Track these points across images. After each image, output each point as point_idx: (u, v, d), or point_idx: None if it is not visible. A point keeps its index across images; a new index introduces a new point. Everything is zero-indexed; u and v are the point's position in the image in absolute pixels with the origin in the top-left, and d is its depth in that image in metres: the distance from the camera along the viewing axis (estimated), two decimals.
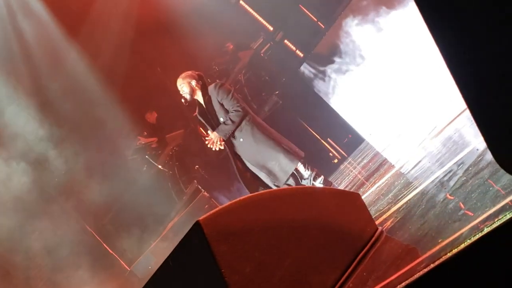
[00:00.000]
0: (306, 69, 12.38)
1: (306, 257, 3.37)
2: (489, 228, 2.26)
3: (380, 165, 7.76)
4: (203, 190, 10.35)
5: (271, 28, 13.75)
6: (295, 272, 3.29)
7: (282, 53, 13.53)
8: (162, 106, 12.87)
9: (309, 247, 3.40)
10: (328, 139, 12.47)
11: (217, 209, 3.36)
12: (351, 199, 3.96)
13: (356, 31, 10.38)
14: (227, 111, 7.03)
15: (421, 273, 2.43)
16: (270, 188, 6.96)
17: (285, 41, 13.57)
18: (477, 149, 3.74)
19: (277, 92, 12.78)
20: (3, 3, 10.78)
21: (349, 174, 9.65)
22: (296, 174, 7.06)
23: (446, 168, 4.13)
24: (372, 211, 4.81)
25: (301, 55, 13.29)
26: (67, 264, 9.90)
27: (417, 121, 7.81)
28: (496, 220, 2.30)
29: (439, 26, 2.13)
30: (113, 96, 11.98)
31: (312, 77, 12.21)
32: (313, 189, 4.51)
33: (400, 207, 4.28)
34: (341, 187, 8.39)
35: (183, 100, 7.34)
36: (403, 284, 2.49)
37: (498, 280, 2.16)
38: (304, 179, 7.06)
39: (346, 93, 11.28)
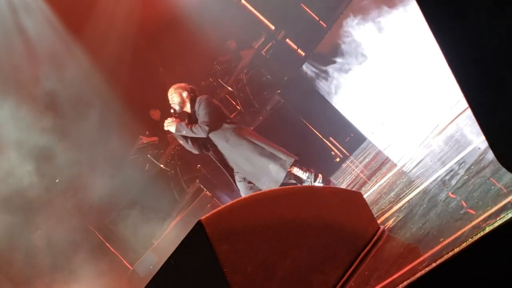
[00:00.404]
0: (308, 68, 12.38)
1: (307, 256, 3.37)
2: (490, 227, 2.26)
3: (382, 163, 7.76)
4: (205, 189, 10.36)
5: (272, 27, 13.77)
6: (296, 271, 3.29)
7: (283, 52, 13.54)
8: (165, 106, 12.87)
9: (310, 246, 3.41)
10: (330, 137, 12.46)
11: (219, 208, 3.36)
12: (353, 198, 3.95)
13: (358, 30, 10.37)
14: None
15: (423, 272, 2.43)
16: None
17: (287, 40, 13.58)
18: (479, 148, 3.74)
19: (278, 91, 12.78)
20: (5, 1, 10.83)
21: (351, 173, 9.64)
22: (295, 180, 7.07)
23: (448, 167, 4.13)
24: (374, 210, 4.81)
25: (303, 54, 13.29)
26: (69, 263, 9.91)
27: (419, 120, 7.81)
28: (498, 219, 2.30)
29: (441, 25, 2.13)
30: (116, 95, 11.99)
31: (314, 76, 12.20)
32: (315, 188, 4.51)
33: (401, 206, 4.28)
34: (343, 186, 8.39)
35: (172, 111, 7.35)
36: (405, 283, 2.49)
37: (500, 279, 2.16)
38: (305, 182, 7.07)
39: (348, 91, 11.27)
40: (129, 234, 10.99)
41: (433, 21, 2.14)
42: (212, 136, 7.08)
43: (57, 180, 11.04)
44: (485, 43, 2.06)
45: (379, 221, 4.17)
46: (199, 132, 7.04)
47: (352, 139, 12.07)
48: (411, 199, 4.25)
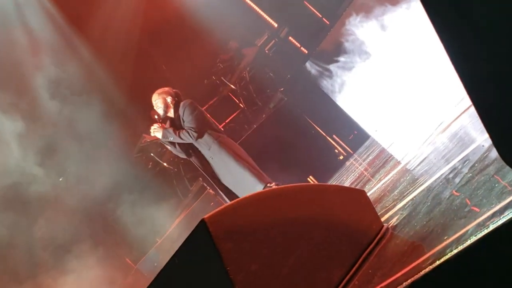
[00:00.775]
0: (311, 65, 12.37)
1: (311, 255, 3.37)
2: (494, 225, 2.26)
3: (385, 161, 7.75)
4: (208, 188, 10.36)
5: (275, 25, 13.74)
6: (300, 270, 3.29)
7: (286, 49, 13.51)
8: None
9: (314, 245, 3.40)
10: (334, 135, 12.45)
11: (222, 207, 3.36)
12: (357, 196, 3.95)
13: (361, 28, 10.36)
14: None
15: (426, 270, 2.43)
16: None
17: (290, 37, 13.55)
18: (483, 146, 3.74)
19: (282, 89, 12.77)
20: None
21: (354, 171, 9.64)
22: None
23: (451, 164, 4.12)
24: (378, 208, 4.80)
25: (306, 51, 13.27)
26: (71, 261, 9.92)
27: (423, 118, 7.80)
28: (502, 217, 2.29)
29: (444, 23, 2.13)
30: (119, 94, 12.00)
31: (317, 73, 12.20)
32: (319, 187, 4.50)
33: (405, 204, 4.27)
34: (347, 184, 8.38)
35: (156, 116, 7.30)
36: (409, 281, 2.49)
37: (504, 277, 2.16)
38: None
39: (351, 89, 11.27)
40: (132, 233, 11.00)
41: (436, 18, 2.13)
42: (196, 142, 7.06)
43: (61, 179, 11.06)
44: (489, 40, 2.05)
45: (383, 219, 4.17)
46: (187, 137, 7.04)
47: (356, 137, 12.07)
48: (415, 197, 4.24)
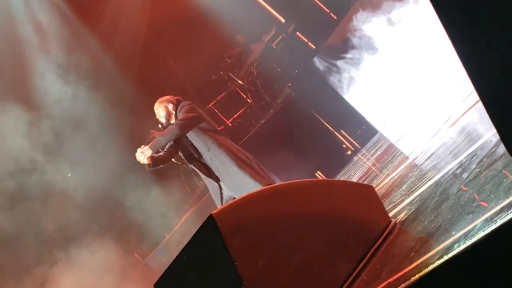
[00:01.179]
0: (318, 60, 12.35)
1: (319, 250, 3.37)
2: (502, 220, 2.26)
3: (393, 156, 7.75)
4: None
5: (283, 20, 13.72)
6: (308, 265, 3.29)
7: (294, 45, 13.50)
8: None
9: (322, 240, 3.41)
10: (341, 130, 12.44)
11: (230, 202, 3.37)
12: (365, 191, 3.95)
13: (368, 24, 10.34)
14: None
15: (434, 265, 2.43)
16: None
17: (297, 33, 13.54)
18: (491, 141, 3.73)
19: (289, 84, 12.76)
20: None
21: (362, 166, 9.63)
22: None
23: (459, 159, 4.12)
24: (386, 203, 4.80)
25: (314, 47, 13.25)
26: (80, 256, 9.96)
27: (431, 113, 7.78)
28: (509, 212, 2.29)
29: (451, 18, 2.13)
30: (127, 90, 12.02)
31: (324, 68, 12.18)
32: (327, 182, 4.51)
33: (413, 199, 4.27)
34: (355, 179, 8.38)
35: (159, 125, 7.16)
36: (417, 276, 2.49)
37: None
38: None
39: (359, 84, 11.25)
40: (140, 228, 11.03)
41: (443, 13, 2.13)
42: (196, 143, 6.89)
43: (69, 174, 11.10)
44: (496, 35, 2.05)
45: (390, 215, 4.17)
46: (172, 130, 6.79)
47: (364, 131, 12.05)
48: (423, 192, 4.24)
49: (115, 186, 10.96)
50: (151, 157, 6.80)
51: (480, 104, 2.22)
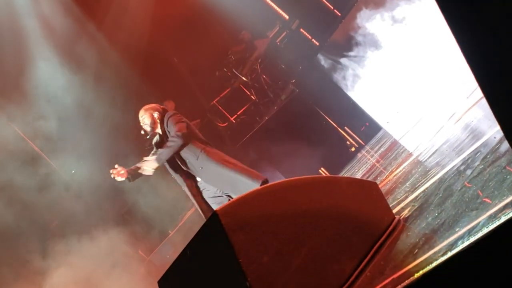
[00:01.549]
0: (322, 57, 12.35)
1: (323, 246, 3.38)
2: (506, 216, 2.26)
3: (397, 153, 7.75)
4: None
5: (287, 17, 13.73)
6: (312, 261, 3.30)
7: (298, 41, 13.51)
8: (179, 96, 12.90)
9: (326, 236, 3.41)
10: (345, 127, 12.45)
11: (234, 199, 3.38)
12: (369, 188, 3.95)
13: (371, 21, 10.32)
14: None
15: (438, 261, 2.43)
16: None
17: (301, 29, 13.54)
18: (495, 137, 3.73)
19: (293, 81, 12.77)
20: None
21: (366, 163, 9.63)
22: None
23: (463, 156, 4.12)
24: (389, 200, 4.80)
25: (317, 43, 13.25)
26: (84, 252, 9.98)
27: (434, 109, 7.78)
28: None
29: (455, 14, 2.13)
30: (131, 86, 12.04)
31: (328, 65, 12.17)
32: (331, 178, 4.51)
33: (417, 196, 4.27)
34: (358, 176, 8.38)
35: (142, 132, 7.08)
36: (421, 272, 2.49)
37: None
38: None
39: (362, 81, 11.24)
40: (144, 224, 11.06)
41: (447, 9, 2.13)
42: (183, 152, 6.81)
43: (73, 171, 11.12)
44: (501, 31, 2.05)
45: (394, 211, 4.17)
46: (174, 141, 6.76)
47: (367, 128, 12.05)
48: (426, 188, 4.24)
49: (118, 183, 10.97)
50: (127, 171, 6.90)
51: (484, 100, 2.22)
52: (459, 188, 3.44)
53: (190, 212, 10.69)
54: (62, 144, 10.81)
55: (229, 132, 13.13)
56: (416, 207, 3.94)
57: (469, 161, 3.83)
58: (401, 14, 9.61)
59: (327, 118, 12.42)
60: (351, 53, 11.30)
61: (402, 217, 3.95)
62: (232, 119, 13.34)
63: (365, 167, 9.17)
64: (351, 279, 3.33)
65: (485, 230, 2.30)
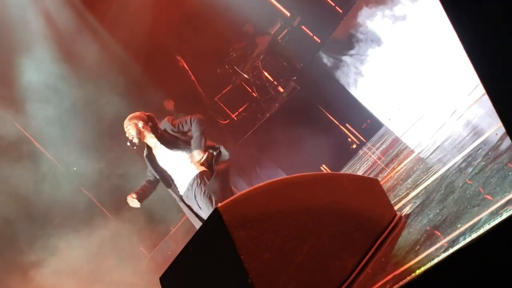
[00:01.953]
0: (324, 54, 12.35)
1: (325, 243, 3.38)
2: (508, 213, 2.26)
3: (399, 150, 7.74)
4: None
5: (288, 14, 13.72)
6: (314, 258, 3.30)
7: (299, 38, 13.50)
8: (180, 94, 12.91)
9: (327, 233, 3.42)
10: (347, 124, 12.45)
11: (236, 195, 3.37)
12: (370, 185, 3.96)
13: (372, 19, 10.33)
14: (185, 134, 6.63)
15: (440, 258, 2.44)
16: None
17: (303, 26, 13.53)
18: (496, 134, 3.73)
19: (294, 78, 12.77)
20: None
21: (367, 160, 9.63)
22: None
23: (465, 153, 4.12)
24: (391, 196, 4.80)
25: (319, 40, 13.24)
26: (85, 248, 9.98)
27: (436, 106, 7.77)
28: None
29: (458, 10, 2.12)
30: (132, 84, 12.03)
31: (330, 62, 12.18)
32: (332, 175, 4.51)
33: (419, 193, 4.27)
34: (360, 173, 8.38)
35: (128, 144, 6.66)
36: (422, 269, 2.49)
37: None
38: None
39: (364, 78, 11.24)
40: (146, 221, 11.05)
41: (450, 6, 2.13)
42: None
43: (75, 168, 11.12)
44: (503, 28, 2.05)
45: (396, 208, 4.17)
46: (198, 125, 6.53)
47: (369, 125, 12.06)
48: (428, 185, 4.24)
49: (120, 180, 10.97)
50: (137, 195, 6.82)
51: (486, 97, 2.22)
52: (460, 185, 3.44)
53: None
54: (62, 138, 10.80)
55: (230, 129, 13.14)
56: (417, 203, 3.94)
57: (471, 158, 3.84)
58: (402, 11, 9.61)
59: (328, 115, 12.42)
60: (353, 50, 11.31)
61: (404, 213, 3.95)
62: (233, 116, 13.35)
63: (366, 164, 9.17)
64: (352, 276, 3.33)
65: (487, 227, 2.30)
